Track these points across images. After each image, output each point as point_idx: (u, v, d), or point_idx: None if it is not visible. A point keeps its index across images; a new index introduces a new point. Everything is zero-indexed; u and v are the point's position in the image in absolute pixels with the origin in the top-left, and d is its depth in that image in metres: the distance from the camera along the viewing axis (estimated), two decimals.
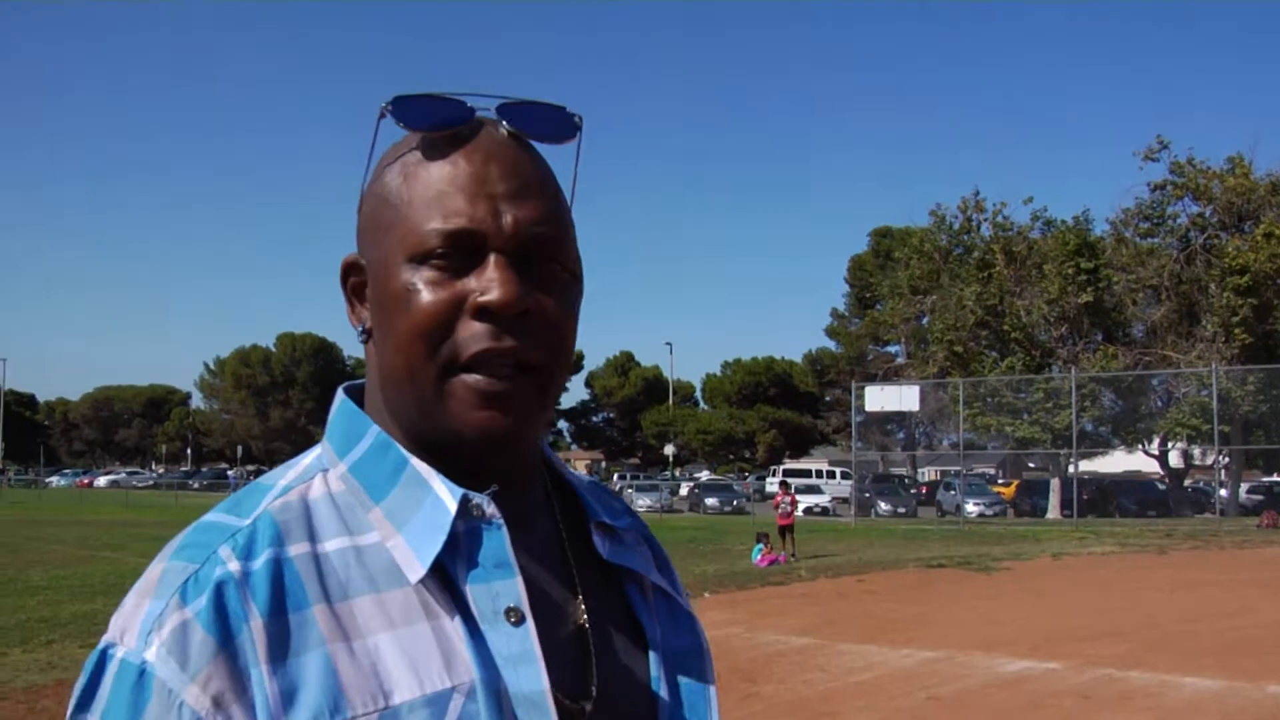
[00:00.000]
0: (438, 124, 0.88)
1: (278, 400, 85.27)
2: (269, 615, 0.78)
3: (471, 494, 0.85)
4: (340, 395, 0.95)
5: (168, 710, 0.75)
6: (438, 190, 0.86)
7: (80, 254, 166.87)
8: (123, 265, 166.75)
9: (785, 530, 20.94)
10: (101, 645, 0.80)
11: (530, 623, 0.83)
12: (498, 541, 0.85)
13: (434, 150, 0.88)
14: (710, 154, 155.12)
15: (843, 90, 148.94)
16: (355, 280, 0.93)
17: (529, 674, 0.81)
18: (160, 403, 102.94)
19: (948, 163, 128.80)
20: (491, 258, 0.85)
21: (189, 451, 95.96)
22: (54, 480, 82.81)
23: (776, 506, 21.78)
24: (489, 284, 0.84)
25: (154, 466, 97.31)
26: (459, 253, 0.85)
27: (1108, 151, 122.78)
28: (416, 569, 0.82)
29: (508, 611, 0.83)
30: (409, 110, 0.88)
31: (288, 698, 0.75)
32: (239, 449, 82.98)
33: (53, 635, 10.85)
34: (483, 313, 0.84)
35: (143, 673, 0.76)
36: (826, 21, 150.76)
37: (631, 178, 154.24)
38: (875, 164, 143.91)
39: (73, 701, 0.79)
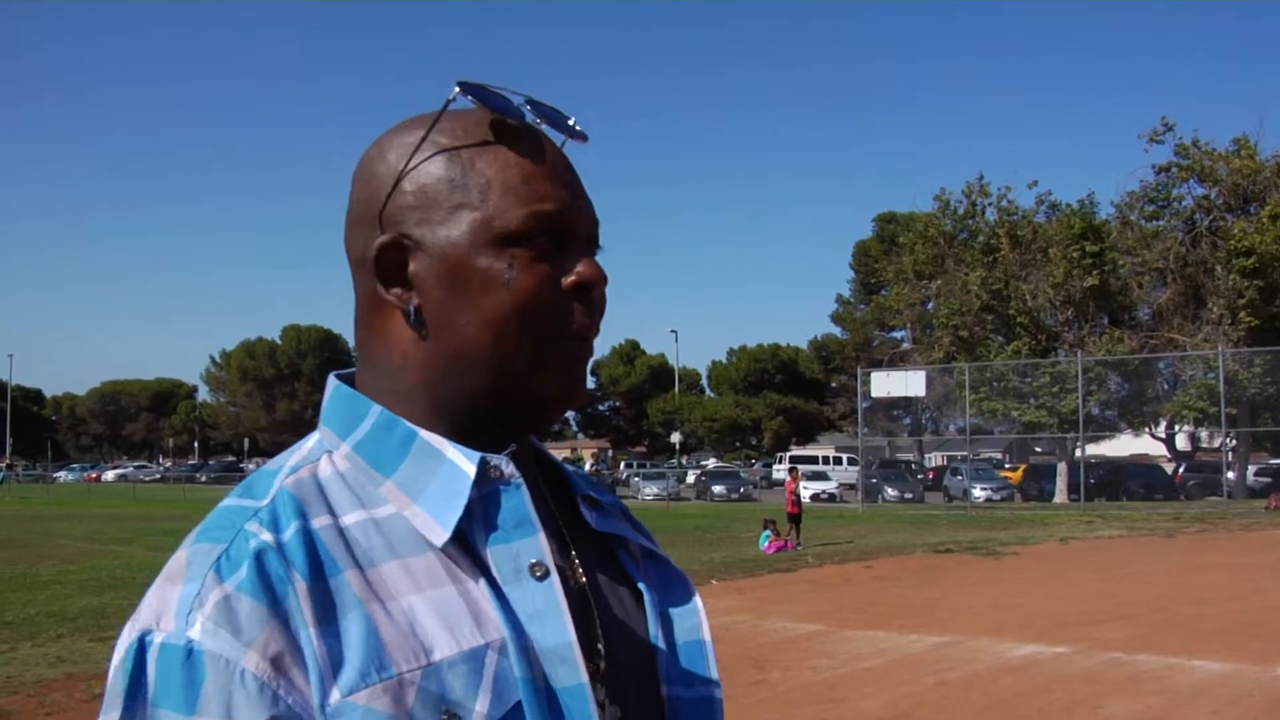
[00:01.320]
0: (510, 111, 0.92)
1: (284, 393, 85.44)
2: (310, 579, 0.78)
3: (490, 456, 0.87)
4: (334, 381, 0.95)
5: (229, 681, 0.74)
6: (524, 174, 0.89)
7: (85, 249, 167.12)
8: (128, 259, 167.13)
9: (794, 518, 20.94)
10: (136, 635, 0.77)
11: (555, 576, 0.84)
12: (518, 501, 0.86)
13: (506, 137, 0.91)
14: (714, 142, 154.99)
15: (846, 76, 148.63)
16: (393, 260, 0.90)
17: (555, 627, 0.82)
18: (167, 396, 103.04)
19: (952, 148, 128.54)
20: (579, 242, 0.91)
21: (196, 445, 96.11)
22: (62, 475, 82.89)
23: (791, 492, 21.69)
24: (586, 266, 0.90)
25: (161, 460, 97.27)
26: (548, 235, 0.89)
27: (1112, 134, 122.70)
28: (439, 534, 0.83)
29: (532, 567, 0.84)
30: (478, 96, 0.91)
31: (335, 659, 0.76)
32: (246, 442, 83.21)
33: (62, 629, 10.88)
34: (579, 291, 0.90)
35: (190, 651, 0.75)
36: (829, 8, 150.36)
37: (636, 166, 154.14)
38: (879, 150, 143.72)
39: (119, 701, 0.76)
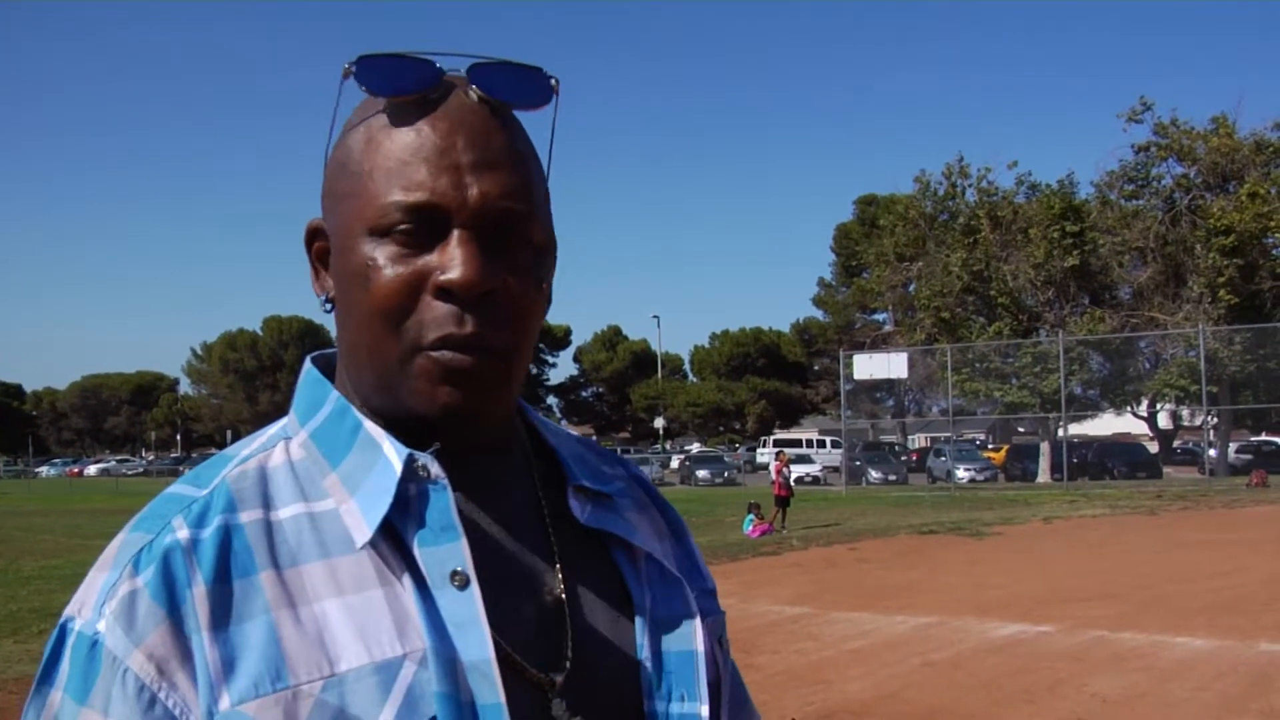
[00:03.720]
0: (403, 88, 0.83)
1: (266, 384, 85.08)
2: (212, 582, 0.77)
3: (417, 454, 0.82)
4: (307, 364, 0.93)
5: (114, 679, 0.74)
6: (399, 160, 0.82)
7: (63, 242, 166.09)
8: (107, 252, 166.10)
9: (782, 500, 20.89)
10: (61, 619, 0.79)
11: (475, 587, 0.79)
12: (443, 503, 0.82)
13: (398, 116, 0.83)
14: (695, 125, 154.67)
15: (826, 59, 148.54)
16: (320, 245, 0.90)
17: (475, 640, 0.78)
18: (148, 389, 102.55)
19: (931, 129, 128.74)
20: (455, 233, 0.81)
21: (178, 438, 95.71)
22: (44, 470, 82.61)
23: (779, 474, 21.59)
24: (450, 262, 0.80)
25: (144, 454, 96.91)
26: (421, 227, 0.81)
27: (1091, 114, 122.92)
28: (363, 532, 0.80)
29: (453, 575, 0.80)
30: (374, 72, 0.83)
31: (228, 665, 0.74)
32: (228, 434, 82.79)
33: (44, 625, 10.79)
34: (444, 292, 0.80)
35: (94, 644, 0.76)
36: None
37: (617, 150, 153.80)
38: (859, 132, 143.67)
39: (36, 677, 0.78)
